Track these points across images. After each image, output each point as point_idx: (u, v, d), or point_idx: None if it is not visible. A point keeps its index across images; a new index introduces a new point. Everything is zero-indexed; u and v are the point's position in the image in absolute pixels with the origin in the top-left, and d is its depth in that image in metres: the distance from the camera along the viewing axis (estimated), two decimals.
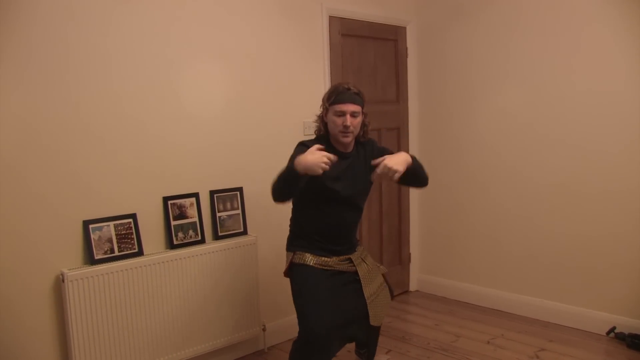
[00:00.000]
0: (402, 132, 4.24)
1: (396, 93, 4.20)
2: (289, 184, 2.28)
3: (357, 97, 2.42)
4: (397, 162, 2.30)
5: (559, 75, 3.48)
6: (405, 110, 4.26)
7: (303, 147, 2.40)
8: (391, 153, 2.49)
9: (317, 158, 2.17)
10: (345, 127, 2.38)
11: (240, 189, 3.18)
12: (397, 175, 2.28)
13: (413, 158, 2.44)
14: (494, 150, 3.87)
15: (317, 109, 3.54)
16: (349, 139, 2.44)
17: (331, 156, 2.22)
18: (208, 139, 3.05)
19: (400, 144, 4.23)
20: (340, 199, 2.46)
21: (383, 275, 2.72)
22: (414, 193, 4.33)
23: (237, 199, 3.17)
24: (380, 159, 2.33)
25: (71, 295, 2.46)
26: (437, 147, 4.22)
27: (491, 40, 3.81)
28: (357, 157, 2.53)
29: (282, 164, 3.33)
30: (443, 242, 4.26)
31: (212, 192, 3.07)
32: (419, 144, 4.33)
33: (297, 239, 2.58)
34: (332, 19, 3.65)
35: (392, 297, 2.73)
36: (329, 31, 3.63)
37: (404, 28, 4.19)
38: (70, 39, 2.51)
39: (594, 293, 3.45)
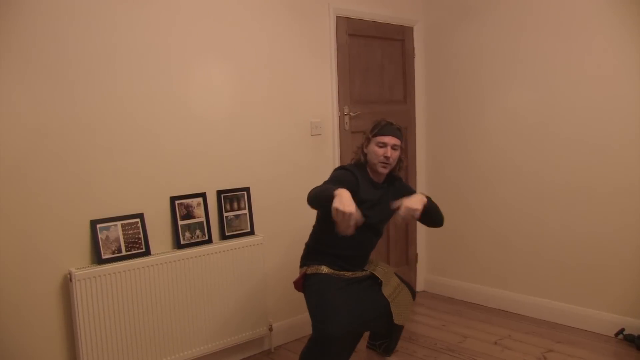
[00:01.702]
0: (409, 132, 4.22)
1: (403, 93, 4.19)
2: (321, 203, 2.31)
3: (398, 132, 2.60)
4: (414, 202, 2.40)
5: (568, 75, 3.46)
6: (412, 110, 4.25)
7: (344, 170, 2.57)
8: (414, 191, 2.70)
9: (345, 217, 2.11)
10: (386, 157, 2.53)
11: (247, 189, 3.19)
12: (417, 214, 2.38)
13: (428, 199, 2.52)
14: (501, 149, 3.86)
15: (325, 109, 3.59)
16: (387, 170, 2.59)
17: (358, 220, 2.16)
18: (215, 139, 3.05)
19: (408, 144, 4.22)
20: (367, 225, 2.52)
21: (398, 276, 2.77)
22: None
23: (244, 199, 3.17)
24: (398, 202, 2.41)
25: (79, 295, 2.48)
26: (444, 147, 4.21)
27: (499, 39, 3.79)
28: (387, 189, 2.67)
29: (288, 164, 3.38)
30: (450, 243, 4.25)
31: (219, 192, 3.08)
32: (426, 144, 4.32)
33: (313, 254, 2.64)
34: (339, 19, 3.64)
35: (414, 296, 2.76)
36: (336, 31, 3.62)
37: (411, 28, 4.18)
38: (75, 38, 2.52)
39: (602, 294, 3.42)
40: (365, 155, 2.63)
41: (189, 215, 2.94)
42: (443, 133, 4.21)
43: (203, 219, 2.99)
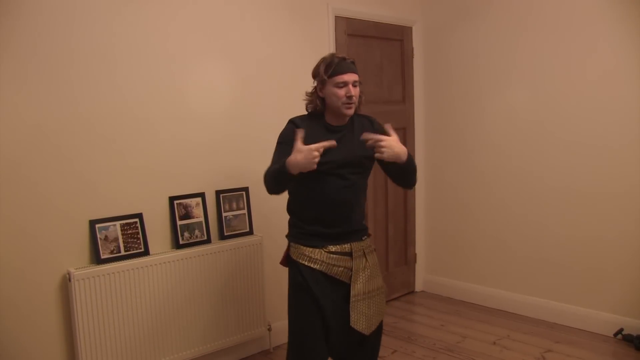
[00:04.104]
0: (408, 132, 4.23)
1: (402, 93, 4.19)
2: (283, 183, 2.21)
3: (354, 66, 2.31)
4: (391, 146, 2.22)
5: (567, 75, 3.46)
6: (411, 111, 4.25)
7: (292, 125, 2.34)
8: (381, 126, 2.42)
9: (307, 156, 2.08)
10: (349, 97, 2.26)
11: (246, 189, 3.19)
12: (378, 155, 2.20)
13: (410, 158, 2.33)
14: (500, 150, 3.86)
15: None
16: (352, 110, 2.31)
17: (324, 144, 2.11)
18: (214, 138, 3.05)
19: (407, 145, 4.21)
20: (327, 172, 2.26)
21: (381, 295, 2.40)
22: (420, 193, 4.33)
23: (242, 199, 3.17)
24: (377, 137, 2.20)
25: (78, 295, 2.48)
26: (443, 147, 4.21)
27: (498, 39, 3.79)
28: (350, 129, 2.36)
29: None
30: (449, 243, 4.25)
31: (218, 192, 3.08)
32: (425, 144, 4.32)
33: (292, 228, 2.43)
34: (338, 19, 3.64)
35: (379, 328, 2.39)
36: (335, 31, 3.63)
37: (410, 28, 4.18)
38: (75, 38, 2.52)
39: (601, 294, 3.43)
40: (322, 99, 2.34)
41: (187, 215, 2.94)
42: (442, 133, 4.21)
43: (202, 218, 2.99)
